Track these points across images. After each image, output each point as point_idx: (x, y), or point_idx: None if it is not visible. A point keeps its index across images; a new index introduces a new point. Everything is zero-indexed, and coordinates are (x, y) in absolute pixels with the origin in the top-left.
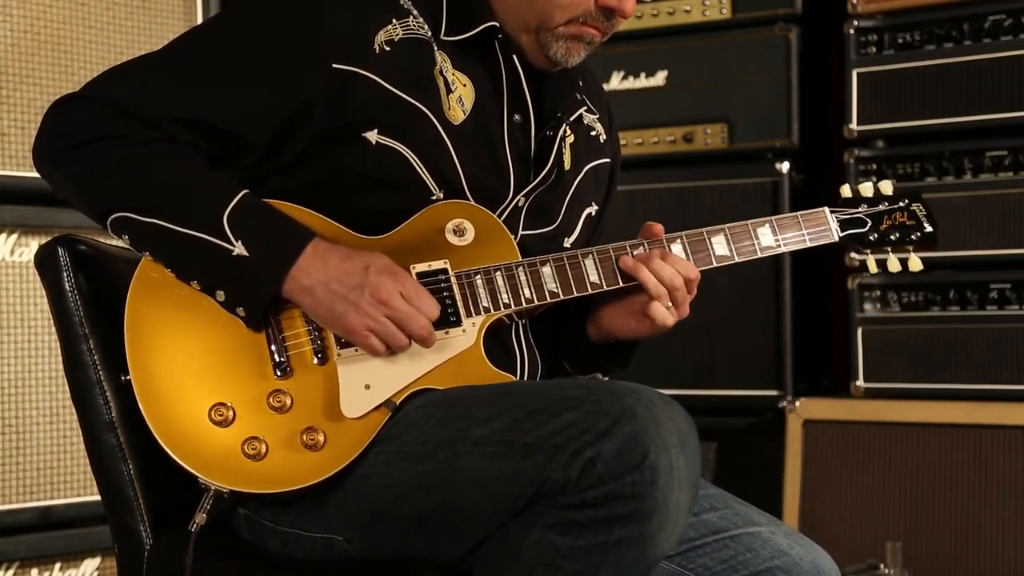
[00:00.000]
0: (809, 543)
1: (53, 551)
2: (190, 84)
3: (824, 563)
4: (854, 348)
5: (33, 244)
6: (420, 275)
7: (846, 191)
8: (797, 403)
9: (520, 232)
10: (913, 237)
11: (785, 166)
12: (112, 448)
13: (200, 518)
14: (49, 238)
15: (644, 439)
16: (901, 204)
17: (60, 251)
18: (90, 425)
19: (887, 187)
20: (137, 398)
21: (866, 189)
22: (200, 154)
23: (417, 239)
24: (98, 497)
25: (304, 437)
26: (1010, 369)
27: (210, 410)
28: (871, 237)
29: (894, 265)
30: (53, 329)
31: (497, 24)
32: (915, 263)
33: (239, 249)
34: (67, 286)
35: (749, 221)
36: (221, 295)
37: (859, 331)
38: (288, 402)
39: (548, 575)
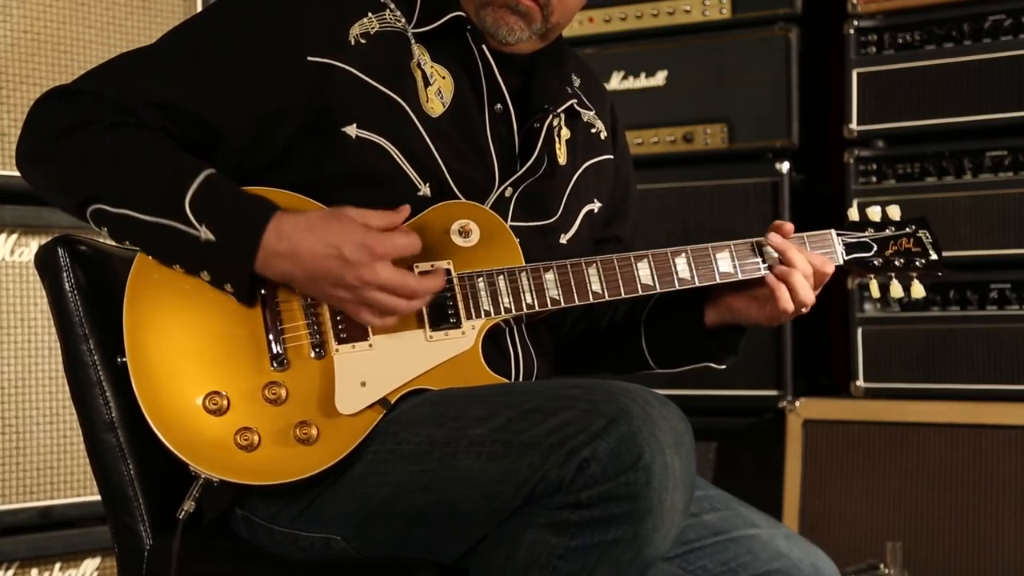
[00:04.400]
0: (809, 545)
1: (53, 551)
2: (170, 75)
3: (824, 566)
4: (854, 348)
5: (33, 244)
6: (422, 275)
7: (853, 214)
8: (797, 403)
9: (509, 223)
10: (918, 264)
11: (785, 166)
12: (112, 448)
13: (188, 505)
14: (49, 238)
15: (639, 439)
16: (908, 230)
17: (60, 251)
18: (90, 425)
19: (895, 212)
20: (132, 381)
21: (873, 213)
22: (170, 139)
23: (422, 238)
24: (98, 497)
25: (297, 431)
26: (1010, 369)
27: (205, 398)
28: (875, 262)
29: (896, 291)
30: (53, 329)
31: (463, 14)
32: (918, 290)
33: (205, 234)
34: (67, 286)
35: (754, 240)
36: (206, 275)
37: (859, 331)
38: (283, 394)
39: (544, 575)
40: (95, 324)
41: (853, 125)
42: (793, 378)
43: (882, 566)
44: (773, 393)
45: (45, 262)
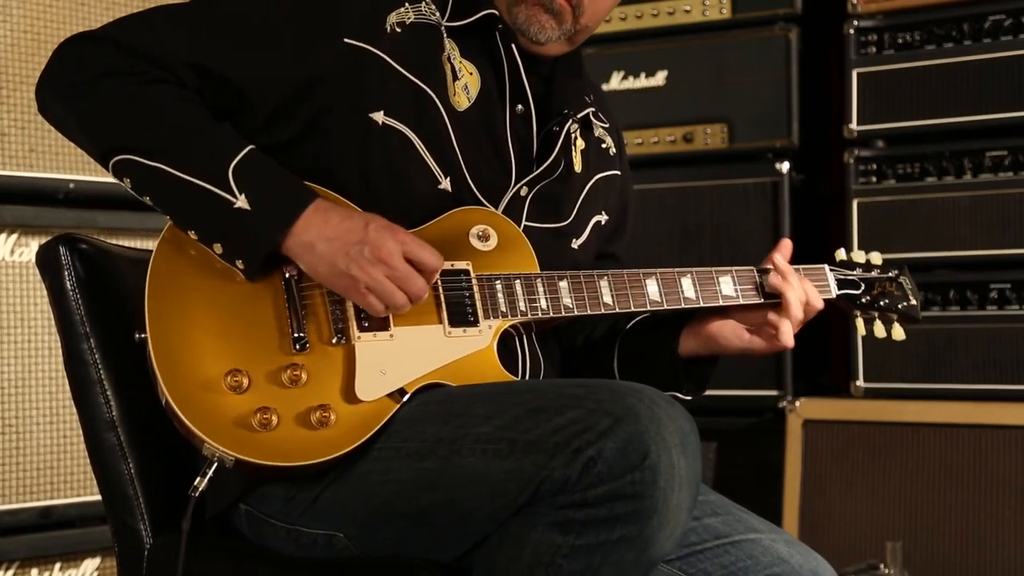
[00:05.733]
0: (809, 551)
1: (53, 551)
2: (205, 34)
3: (824, 572)
4: (854, 348)
5: (33, 244)
6: (442, 273)
7: (841, 254)
8: (797, 403)
9: (524, 222)
10: (899, 307)
11: (785, 166)
12: (112, 447)
13: (200, 483)
14: (49, 238)
15: (645, 438)
16: (890, 275)
17: (61, 250)
18: (90, 424)
19: (876, 258)
20: (152, 356)
21: (858, 256)
22: (206, 104)
23: (441, 238)
24: (98, 497)
25: (316, 414)
26: (1010, 369)
27: (226, 375)
28: (863, 300)
29: (879, 331)
30: (53, 329)
31: (496, 12)
32: (898, 333)
33: (241, 202)
34: (68, 285)
35: (755, 267)
36: (219, 247)
37: None
38: (304, 377)
39: (548, 574)
40: (96, 322)
41: (853, 125)
42: (793, 378)
43: (882, 566)
44: (773, 393)
45: (46, 260)
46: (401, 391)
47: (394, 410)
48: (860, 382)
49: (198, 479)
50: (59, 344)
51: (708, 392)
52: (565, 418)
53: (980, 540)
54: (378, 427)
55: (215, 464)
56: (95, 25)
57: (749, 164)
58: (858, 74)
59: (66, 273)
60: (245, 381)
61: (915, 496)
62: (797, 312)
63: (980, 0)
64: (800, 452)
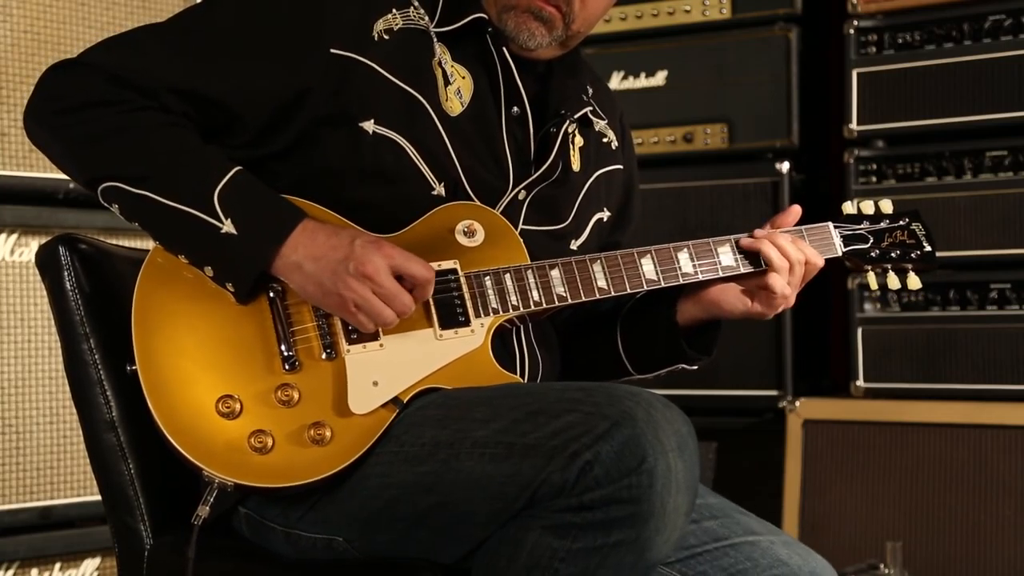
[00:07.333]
0: (808, 552)
1: (53, 551)
2: (190, 56)
3: (823, 572)
4: (854, 348)
5: (33, 244)
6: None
7: (848, 208)
8: (797, 403)
9: (520, 225)
10: (913, 256)
11: (785, 166)
12: (112, 447)
13: (203, 511)
14: (49, 238)
15: (642, 442)
16: (902, 223)
17: (61, 250)
18: (90, 424)
19: (887, 205)
20: (143, 388)
21: (867, 206)
22: (193, 127)
23: (427, 239)
24: (98, 497)
25: (311, 432)
26: (1010, 369)
27: (217, 402)
28: (872, 253)
29: (894, 283)
30: (53, 329)
31: (485, 16)
32: (914, 282)
33: (228, 227)
34: (68, 285)
35: (754, 232)
36: (209, 271)
37: (859, 331)
38: (296, 396)
39: None
40: (96, 323)
41: (853, 125)
42: (793, 378)
43: (882, 566)
44: (773, 393)
45: (46, 261)
46: (396, 400)
47: (391, 420)
48: (860, 382)
49: (200, 506)
50: (59, 344)
51: (708, 392)
52: (562, 422)
53: (980, 540)
54: (375, 439)
55: (216, 491)
56: (95, 25)
57: (749, 164)
58: (858, 74)
59: (66, 273)
60: (237, 406)
61: (915, 496)
62: (781, 262)
63: (980, 0)
64: (800, 452)
